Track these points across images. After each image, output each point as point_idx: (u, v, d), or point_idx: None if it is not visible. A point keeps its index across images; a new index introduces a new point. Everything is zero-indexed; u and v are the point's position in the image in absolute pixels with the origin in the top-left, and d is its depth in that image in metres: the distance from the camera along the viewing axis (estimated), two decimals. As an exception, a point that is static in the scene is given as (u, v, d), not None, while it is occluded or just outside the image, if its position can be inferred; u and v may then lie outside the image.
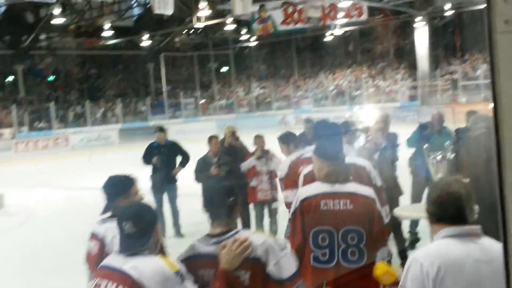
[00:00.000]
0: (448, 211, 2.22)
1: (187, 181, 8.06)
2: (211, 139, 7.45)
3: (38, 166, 21.28)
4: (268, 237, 2.52)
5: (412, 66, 33.04)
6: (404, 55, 35.81)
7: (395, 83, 32.68)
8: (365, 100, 31.50)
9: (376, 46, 38.06)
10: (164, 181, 8.13)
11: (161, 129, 8.54)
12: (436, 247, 2.19)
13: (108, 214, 3.07)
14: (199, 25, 26.47)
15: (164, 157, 8.13)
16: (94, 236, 3.07)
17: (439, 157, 4.20)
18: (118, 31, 32.39)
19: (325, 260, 3.24)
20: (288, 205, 4.36)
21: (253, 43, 38.20)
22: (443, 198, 2.24)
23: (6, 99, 31.01)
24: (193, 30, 35.75)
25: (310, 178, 3.74)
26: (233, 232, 2.48)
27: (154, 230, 2.47)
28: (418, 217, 5.69)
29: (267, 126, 28.49)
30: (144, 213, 2.49)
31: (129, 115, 33.00)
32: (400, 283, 2.19)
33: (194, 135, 31.45)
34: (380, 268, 2.78)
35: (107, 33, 30.23)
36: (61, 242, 8.28)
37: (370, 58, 38.17)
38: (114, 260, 2.44)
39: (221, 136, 8.05)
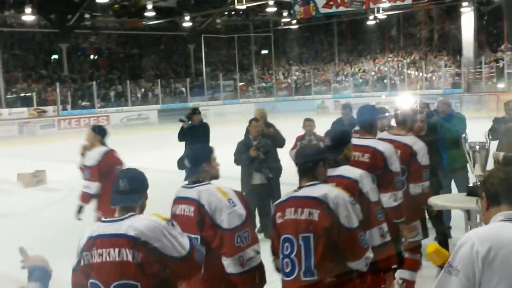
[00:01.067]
0: (504, 191, 2.24)
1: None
2: (251, 122, 7.43)
3: (80, 143, 21.73)
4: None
5: (456, 52, 32.24)
6: (449, 41, 34.94)
7: (438, 70, 31.99)
8: (406, 86, 30.96)
9: (420, 31, 37.21)
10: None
11: (196, 111, 8.87)
12: (491, 228, 2.20)
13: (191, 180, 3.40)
14: (240, 6, 26.36)
15: (196, 136, 8.42)
16: (184, 199, 3.29)
17: (477, 147, 4.09)
18: (160, 11, 32.61)
19: None
20: None
21: (294, 26, 37.86)
22: (508, 178, 2.27)
23: (50, 77, 31.70)
24: (234, 11, 35.67)
25: None
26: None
27: (144, 194, 2.80)
28: (452, 207, 5.59)
29: (305, 110, 28.32)
30: (139, 176, 2.83)
31: (169, 96, 33.33)
32: (449, 259, 2.19)
33: (232, 117, 31.67)
34: (430, 247, 2.73)
35: (149, 13, 30.46)
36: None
37: (413, 44, 37.40)
38: (105, 229, 2.67)
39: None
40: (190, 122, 8.64)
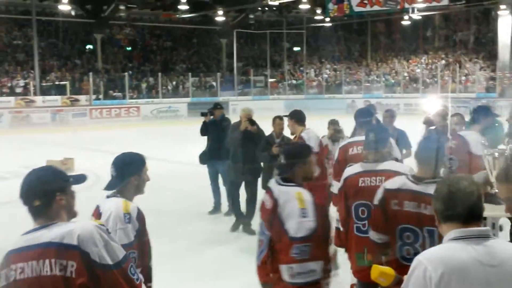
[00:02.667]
0: (457, 209, 2.13)
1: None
2: (275, 119, 7.45)
3: (109, 133, 22.09)
4: None
5: (492, 56, 31.60)
6: (485, 44, 34.27)
7: (472, 73, 31.41)
8: (439, 89, 30.50)
9: (456, 33, 36.58)
10: (216, 155, 8.33)
11: (217, 105, 8.76)
12: (442, 250, 2.09)
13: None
14: (273, 3, 26.32)
15: (218, 131, 8.39)
16: (270, 192, 3.44)
17: (496, 154, 4.01)
18: (194, 5, 32.79)
19: (365, 230, 3.73)
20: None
21: (327, 23, 37.64)
22: (454, 195, 2.14)
23: (84, 66, 32.21)
24: (267, 7, 35.64)
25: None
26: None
27: (129, 177, 3.08)
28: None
29: (335, 109, 28.19)
30: (125, 161, 3.13)
31: (199, 90, 33.52)
32: (402, 284, 2.11)
33: (262, 113, 31.51)
34: (374, 270, 2.71)
35: (183, 6, 30.66)
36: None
37: (448, 45, 36.80)
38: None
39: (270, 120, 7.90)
40: (212, 117, 8.56)
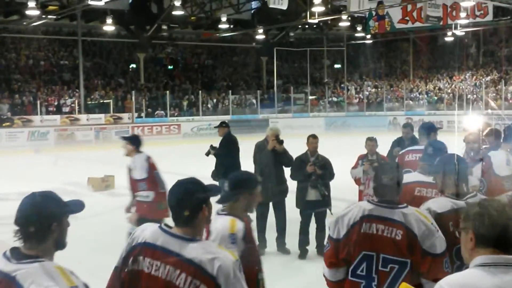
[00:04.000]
0: (491, 233, 2.01)
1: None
2: (309, 138, 7.45)
3: (150, 151, 22.31)
4: None
5: (540, 72, 30.69)
6: (531, 60, 33.34)
7: (518, 89, 30.56)
8: (483, 106, 29.76)
9: (501, 49, 35.72)
10: (222, 175, 8.41)
11: (222, 124, 9.17)
12: (466, 276, 1.99)
13: None
14: (313, 21, 26.32)
15: (223, 149, 8.79)
16: (385, 220, 3.20)
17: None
18: (235, 24, 33.11)
19: None
20: None
21: (368, 40, 37.39)
22: (489, 219, 2.02)
23: (127, 85, 32.86)
24: (308, 25, 35.67)
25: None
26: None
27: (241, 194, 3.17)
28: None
29: (377, 126, 27.86)
30: (240, 178, 3.37)
31: (240, 107, 33.67)
32: None
33: (302, 130, 31.41)
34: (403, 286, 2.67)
35: (223, 25, 31.00)
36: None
37: (493, 62, 35.94)
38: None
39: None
40: (212, 153, 8.95)
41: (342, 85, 38.43)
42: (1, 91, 27.87)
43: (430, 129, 5.90)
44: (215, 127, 9.22)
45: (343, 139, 20.89)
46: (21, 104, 27.54)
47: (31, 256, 2.16)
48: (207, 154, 9.02)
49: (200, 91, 31.97)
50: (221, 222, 3.07)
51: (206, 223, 2.58)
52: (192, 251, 2.37)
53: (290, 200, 7.58)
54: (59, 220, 2.25)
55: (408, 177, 3.99)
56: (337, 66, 40.91)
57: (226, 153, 8.73)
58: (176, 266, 2.36)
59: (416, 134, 7.42)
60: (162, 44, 37.53)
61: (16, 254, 2.19)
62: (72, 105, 28.82)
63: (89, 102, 30.16)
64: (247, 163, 8.30)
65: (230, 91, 33.20)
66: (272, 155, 7.44)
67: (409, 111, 32.72)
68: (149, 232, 2.50)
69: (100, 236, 8.44)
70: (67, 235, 2.31)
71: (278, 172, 7.47)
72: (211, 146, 9.01)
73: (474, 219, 2.08)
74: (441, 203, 3.31)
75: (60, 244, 2.28)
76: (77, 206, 2.38)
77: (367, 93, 36.75)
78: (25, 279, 2.06)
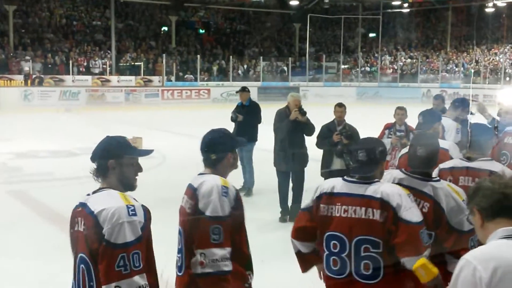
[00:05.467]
0: (496, 203, 1.97)
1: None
2: (336, 106, 7.32)
3: (179, 114, 22.36)
4: None
5: None
6: None
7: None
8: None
9: (544, 22, 34.38)
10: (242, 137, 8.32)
11: (244, 89, 9.29)
12: (492, 249, 1.90)
13: None
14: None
15: (245, 115, 8.87)
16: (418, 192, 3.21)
17: None
18: (269, -12, 32.53)
19: None
20: None
21: (405, 9, 36.35)
22: (490, 189, 2.00)
23: (158, 48, 32.76)
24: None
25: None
26: None
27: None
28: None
29: (409, 98, 27.27)
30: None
31: (270, 74, 33.32)
32: (449, 285, 1.95)
33: (333, 99, 31.00)
34: (419, 261, 2.59)
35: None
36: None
37: (535, 35, 34.68)
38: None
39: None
40: (240, 102, 9.12)
41: (375, 55, 37.63)
42: (34, 50, 28.08)
43: (461, 103, 5.98)
44: (236, 92, 9.25)
45: (374, 110, 20.49)
46: (53, 64, 27.73)
47: (102, 188, 2.56)
48: (234, 119, 9.02)
49: (231, 57, 31.68)
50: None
51: (230, 168, 2.99)
52: (196, 179, 2.95)
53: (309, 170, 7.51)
54: (117, 158, 2.54)
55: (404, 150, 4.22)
56: (371, 35, 39.99)
57: (248, 119, 8.80)
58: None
59: (447, 107, 7.24)
60: (194, 7, 37.16)
61: (97, 189, 2.58)
62: (104, 66, 28.92)
63: (120, 64, 30.21)
64: (267, 129, 8.22)
65: (261, 58, 32.83)
66: (294, 124, 7.30)
67: (444, 83, 31.90)
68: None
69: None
70: (134, 178, 2.60)
71: (299, 141, 7.37)
72: (234, 111, 9.11)
73: (473, 196, 2.08)
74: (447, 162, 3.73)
75: (125, 183, 2.57)
76: (145, 151, 2.73)
77: (401, 63, 35.92)
78: (92, 202, 2.48)
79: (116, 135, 2.67)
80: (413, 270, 2.59)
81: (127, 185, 2.58)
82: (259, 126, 9.12)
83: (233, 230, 2.89)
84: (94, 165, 2.60)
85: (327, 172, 7.09)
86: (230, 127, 9.49)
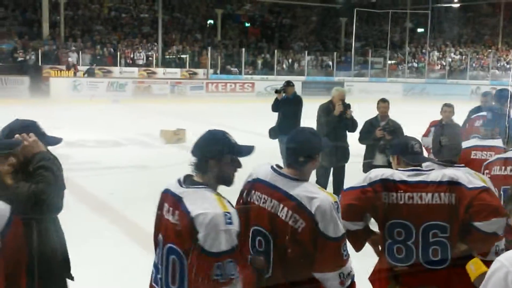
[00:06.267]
0: None
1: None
2: (379, 102, 7.24)
3: (223, 107, 22.48)
4: None
5: None
6: None
7: None
8: None
9: None
10: (284, 131, 8.33)
11: (288, 83, 9.31)
12: None
13: None
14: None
15: (288, 108, 8.91)
16: None
17: None
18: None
19: None
20: None
21: (455, 4, 35.46)
22: None
23: (204, 41, 33.01)
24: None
25: None
26: None
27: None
28: None
29: (458, 95, 26.63)
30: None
31: (315, 68, 33.11)
32: (481, 285, 1.89)
33: (378, 95, 30.50)
34: (473, 260, 2.63)
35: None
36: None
37: None
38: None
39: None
40: (284, 94, 9.07)
41: (423, 51, 36.86)
42: (84, 42, 28.74)
43: (504, 96, 5.97)
44: (281, 87, 9.22)
45: (420, 107, 20.11)
46: (101, 55, 28.32)
47: (198, 183, 2.49)
48: (279, 91, 9.15)
49: (276, 51, 31.62)
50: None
51: (312, 170, 2.83)
52: (296, 189, 2.61)
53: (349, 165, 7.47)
54: (217, 157, 2.49)
55: (467, 143, 4.41)
56: (420, 30, 39.18)
57: (292, 112, 8.83)
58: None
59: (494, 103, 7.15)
60: (240, 0, 37.25)
61: (188, 180, 2.52)
62: (150, 58, 29.35)
63: (167, 56, 30.59)
64: (310, 124, 8.09)
65: (306, 52, 32.65)
66: (338, 119, 7.28)
67: (495, 80, 30.99)
68: (262, 170, 2.79)
69: (164, 186, 8.53)
70: (233, 174, 2.55)
71: (342, 136, 7.36)
72: (275, 103, 9.15)
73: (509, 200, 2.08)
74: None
75: (222, 180, 2.53)
76: (246, 151, 2.59)
77: (450, 59, 35.09)
78: (188, 200, 2.41)
79: (217, 131, 2.60)
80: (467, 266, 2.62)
81: (225, 181, 2.54)
82: (302, 120, 9.09)
83: None
84: (193, 159, 2.52)
85: (370, 164, 6.98)
86: (273, 120, 9.49)
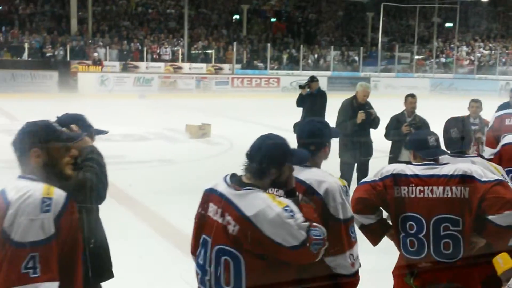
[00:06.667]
0: None
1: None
2: (407, 97, 7.17)
3: (248, 102, 22.51)
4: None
5: None
6: None
7: None
8: None
9: None
10: None
11: (312, 79, 9.40)
12: None
13: None
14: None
15: (313, 103, 9.05)
16: None
17: None
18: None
19: None
20: None
21: (485, -2, 34.85)
22: None
23: (230, 36, 33.05)
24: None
25: None
26: None
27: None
28: None
29: (486, 90, 26.23)
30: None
31: (341, 64, 32.89)
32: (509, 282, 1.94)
33: (405, 91, 30.15)
34: (502, 255, 2.53)
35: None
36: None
37: None
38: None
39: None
40: (308, 90, 9.19)
41: (451, 46, 36.31)
42: (111, 37, 29.05)
43: None
44: (306, 82, 9.35)
45: (448, 102, 19.83)
46: (128, 50, 28.59)
47: (249, 184, 2.42)
48: (303, 87, 9.31)
49: (301, 46, 31.50)
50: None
51: (324, 159, 2.85)
52: (306, 174, 2.63)
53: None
54: (278, 167, 2.46)
55: (507, 139, 4.25)
56: (448, 25, 38.60)
57: (317, 108, 8.92)
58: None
59: None
60: (266, -4, 37.21)
61: (236, 181, 2.45)
62: (176, 53, 29.54)
63: (193, 52, 30.73)
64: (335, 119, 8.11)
65: (332, 47, 32.44)
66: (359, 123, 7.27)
67: (525, 76, 30.44)
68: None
69: (193, 181, 8.58)
70: (291, 180, 2.51)
71: (365, 132, 7.35)
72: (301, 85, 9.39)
73: None
74: None
75: (278, 185, 2.51)
76: (301, 157, 2.62)
77: (479, 55, 34.50)
78: (243, 203, 2.35)
79: (279, 138, 2.52)
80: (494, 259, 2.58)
81: (281, 186, 2.53)
82: (326, 114, 9.05)
83: None
84: (246, 162, 2.47)
85: (396, 160, 6.95)
86: (298, 115, 9.48)
